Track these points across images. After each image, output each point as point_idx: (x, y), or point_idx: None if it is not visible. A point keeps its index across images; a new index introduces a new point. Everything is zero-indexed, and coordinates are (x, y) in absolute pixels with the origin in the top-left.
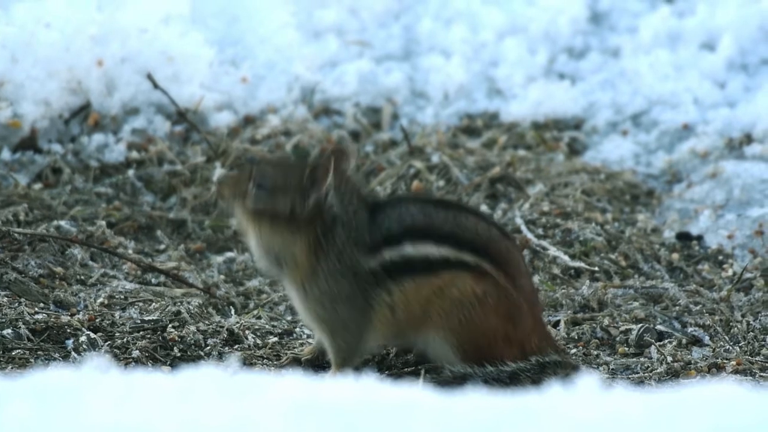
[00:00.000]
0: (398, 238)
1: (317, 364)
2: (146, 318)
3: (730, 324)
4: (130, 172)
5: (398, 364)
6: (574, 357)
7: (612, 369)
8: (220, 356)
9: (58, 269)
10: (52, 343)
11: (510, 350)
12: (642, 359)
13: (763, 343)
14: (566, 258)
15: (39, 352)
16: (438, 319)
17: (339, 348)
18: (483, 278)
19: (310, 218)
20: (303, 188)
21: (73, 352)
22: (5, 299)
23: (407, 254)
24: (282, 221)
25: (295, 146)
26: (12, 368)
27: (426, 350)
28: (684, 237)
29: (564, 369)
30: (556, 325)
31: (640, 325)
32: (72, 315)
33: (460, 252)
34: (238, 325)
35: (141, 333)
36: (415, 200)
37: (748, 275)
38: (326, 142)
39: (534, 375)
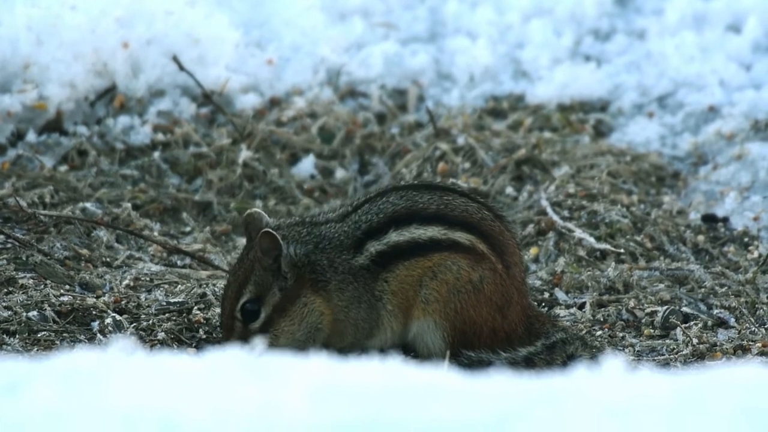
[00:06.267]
0: (383, 228)
1: None
2: (172, 300)
3: (756, 306)
4: (156, 154)
5: None
6: (573, 329)
7: (637, 351)
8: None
9: (84, 251)
10: (77, 325)
11: (494, 341)
12: (668, 341)
13: None
14: (592, 240)
15: (64, 334)
16: (436, 305)
17: (345, 344)
18: (479, 262)
19: (296, 278)
20: (268, 268)
21: (98, 334)
22: (31, 281)
23: (393, 241)
24: (285, 305)
25: (321, 129)
26: (37, 350)
27: (416, 339)
28: (710, 219)
29: (572, 344)
30: (581, 307)
31: (666, 307)
32: (97, 297)
33: (450, 231)
34: None
35: (166, 315)
36: (396, 189)
37: None
38: (352, 125)
39: (546, 357)
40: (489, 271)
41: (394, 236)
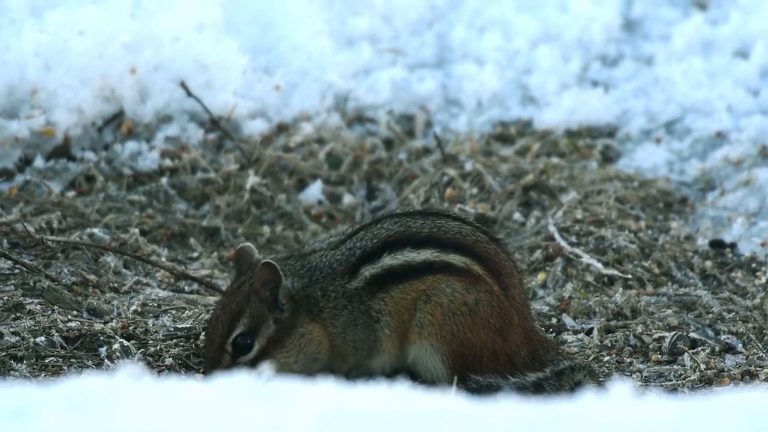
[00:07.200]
0: (377, 252)
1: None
2: (179, 326)
3: (764, 331)
4: (164, 180)
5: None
6: (580, 357)
7: (645, 376)
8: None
9: (92, 277)
10: (85, 351)
11: (496, 364)
12: (675, 367)
13: None
14: (599, 266)
15: (72, 360)
16: (431, 328)
17: (349, 365)
18: (474, 285)
19: (292, 310)
20: (264, 300)
21: (106, 360)
22: (38, 307)
23: (388, 265)
24: (281, 336)
25: (329, 154)
26: (45, 376)
27: (416, 364)
28: (717, 244)
29: (580, 372)
30: (589, 332)
31: (674, 332)
32: (105, 323)
33: (443, 253)
34: None
35: (174, 341)
36: (390, 215)
37: None
38: (359, 150)
39: (555, 383)
40: (485, 293)
41: (388, 260)
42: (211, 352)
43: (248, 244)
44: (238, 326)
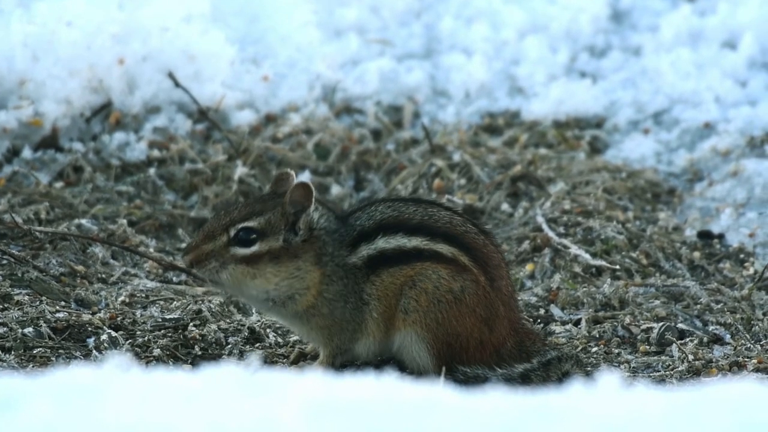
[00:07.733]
0: (372, 234)
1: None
2: (167, 316)
3: (752, 322)
4: (152, 171)
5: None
6: (567, 347)
7: (633, 367)
8: (241, 354)
9: (80, 268)
10: (73, 342)
11: (483, 354)
12: (663, 357)
13: None
14: (587, 256)
15: (60, 351)
16: (416, 315)
17: (332, 347)
18: (461, 273)
19: (304, 241)
20: (286, 216)
21: (94, 351)
22: (27, 297)
23: (381, 247)
24: (281, 255)
25: (317, 145)
26: (33, 366)
27: (402, 352)
28: (705, 235)
29: (567, 362)
30: (577, 323)
31: (662, 323)
32: (93, 313)
33: (432, 242)
34: (259, 323)
35: (162, 331)
36: (385, 200)
37: None
38: (347, 141)
39: (542, 373)
40: (471, 282)
41: (382, 243)
42: (210, 228)
43: (291, 171)
44: (252, 220)
